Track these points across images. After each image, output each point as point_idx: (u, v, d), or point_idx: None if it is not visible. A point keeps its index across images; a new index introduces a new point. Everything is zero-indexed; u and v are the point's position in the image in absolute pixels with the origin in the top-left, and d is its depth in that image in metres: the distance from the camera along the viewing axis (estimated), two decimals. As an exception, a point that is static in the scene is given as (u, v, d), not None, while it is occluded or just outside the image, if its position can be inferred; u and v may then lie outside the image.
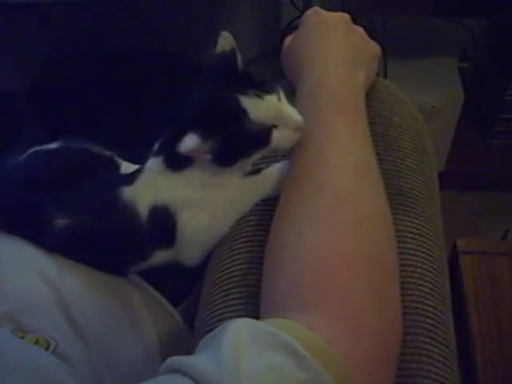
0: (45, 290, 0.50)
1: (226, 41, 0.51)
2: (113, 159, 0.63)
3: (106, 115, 0.94)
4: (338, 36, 0.58)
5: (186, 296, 0.74)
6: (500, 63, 1.43)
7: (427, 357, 0.45)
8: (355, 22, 0.61)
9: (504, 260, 0.95)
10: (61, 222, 0.53)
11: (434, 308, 0.48)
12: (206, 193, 0.54)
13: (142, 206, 0.54)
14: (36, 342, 0.42)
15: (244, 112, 0.49)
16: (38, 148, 0.60)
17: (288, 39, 0.63)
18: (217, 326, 0.38)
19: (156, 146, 0.56)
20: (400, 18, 1.36)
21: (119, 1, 1.12)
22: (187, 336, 0.60)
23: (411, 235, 0.52)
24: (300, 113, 0.51)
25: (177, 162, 0.53)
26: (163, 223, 0.55)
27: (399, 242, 0.50)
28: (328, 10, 0.61)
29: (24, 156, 0.59)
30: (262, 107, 0.49)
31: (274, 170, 0.56)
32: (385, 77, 1.26)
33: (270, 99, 0.50)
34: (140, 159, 0.59)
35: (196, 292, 0.63)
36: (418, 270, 0.50)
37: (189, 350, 0.38)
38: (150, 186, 0.55)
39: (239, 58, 0.52)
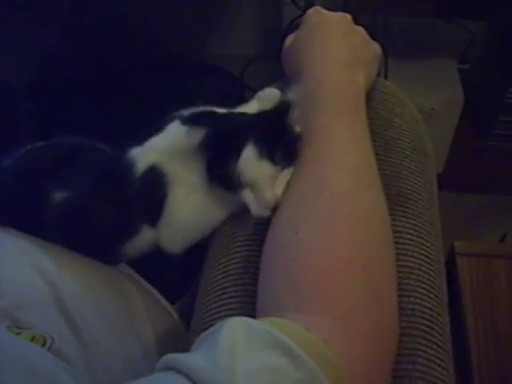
0: (42, 286, 0.49)
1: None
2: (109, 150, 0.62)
3: (104, 113, 0.93)
4: (339, 36, 0.58)
5: (182, 294, 0.74)
6: (500, 66, 1.43)
7: (423, 358, 0.45)
8: (356, 22, 0.61)
9: (501, 262, 0.96)
10: (58, 196, 0.52)
11: (431, 310, 0.48)
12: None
13: (140, 165, 0.53)
14: (32, 339, 0.42)
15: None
16: (33, 145, 0.60)
17: (289, 38, 0.63)
18: (213, 324, 0.38)
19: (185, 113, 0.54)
20: (401, 19, 1.36)
21: (119, 0, 1.12)
22: (184, 334, 0.60)
23: (409, 236, 0.52)
24: (300, 113, 0.51)
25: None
26: (153, 189, 0.53)
27: (397, 243, 0.50)
28: (329, 9, 0.61)
29: (19, 153, 0.59)
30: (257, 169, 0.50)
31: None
32: (385, 77, 1.26)
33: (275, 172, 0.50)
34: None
35: (193, 290, 0.62)
36: (416, 271, 0.50)
37: (185, 348, 0.38)
38: (156, 149, 0.53)
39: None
